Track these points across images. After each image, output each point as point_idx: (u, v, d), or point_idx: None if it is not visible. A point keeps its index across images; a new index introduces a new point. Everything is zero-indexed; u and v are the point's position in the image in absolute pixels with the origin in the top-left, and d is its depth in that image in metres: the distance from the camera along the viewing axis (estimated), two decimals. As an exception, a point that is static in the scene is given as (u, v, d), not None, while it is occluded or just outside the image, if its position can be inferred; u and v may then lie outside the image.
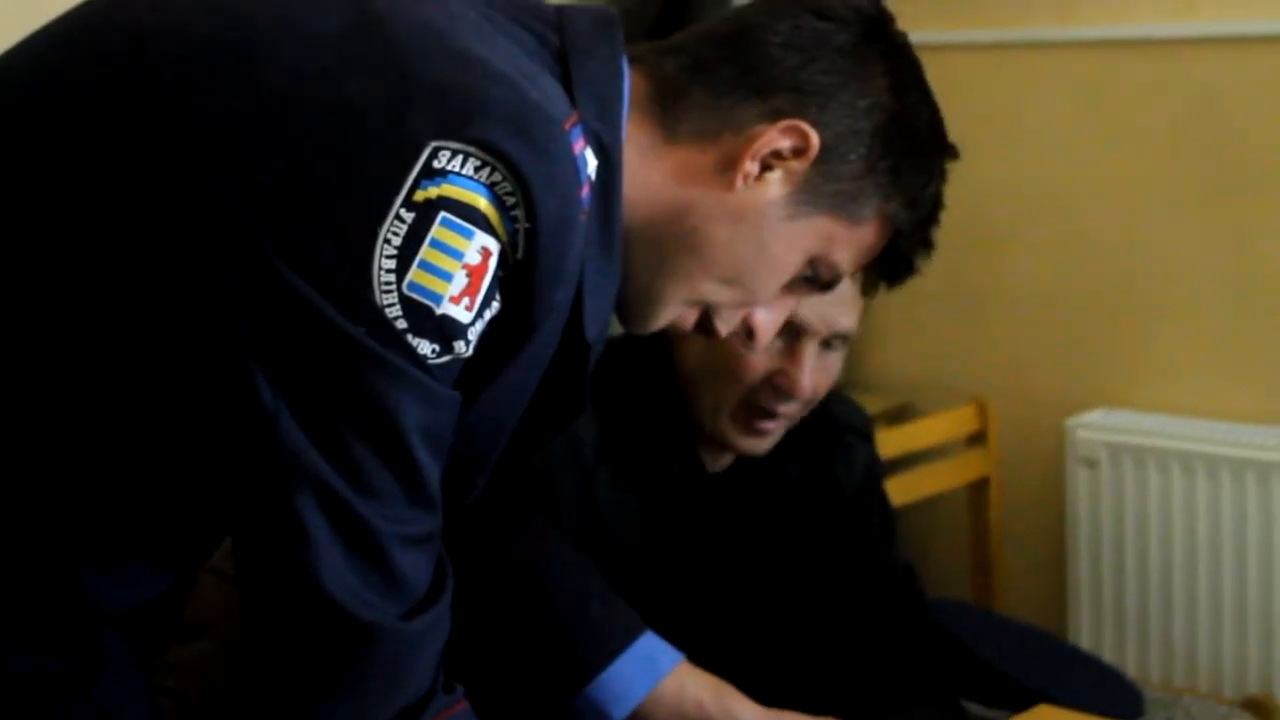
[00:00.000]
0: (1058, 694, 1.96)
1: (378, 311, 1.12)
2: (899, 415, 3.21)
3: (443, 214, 1.12)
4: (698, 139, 1.29)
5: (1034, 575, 3.09)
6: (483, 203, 1.13)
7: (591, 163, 1.22)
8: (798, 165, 1.29)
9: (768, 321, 1.37)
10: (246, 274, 1.12)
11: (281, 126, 1.12)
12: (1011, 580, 3.10)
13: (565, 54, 1.25)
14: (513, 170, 1.13)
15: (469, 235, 1.13)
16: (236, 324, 1.12)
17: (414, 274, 1.12)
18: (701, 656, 1.64)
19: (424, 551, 1.19)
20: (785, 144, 1.28)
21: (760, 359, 1.74)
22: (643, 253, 1.29)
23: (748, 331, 1.37)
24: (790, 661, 1.86)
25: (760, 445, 1.79)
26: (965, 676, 2.07)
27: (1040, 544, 3.07)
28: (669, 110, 1.29)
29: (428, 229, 1.12)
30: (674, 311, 1.34)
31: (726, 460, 1.85)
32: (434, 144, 1.11)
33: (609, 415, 1.77)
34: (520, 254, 1.15)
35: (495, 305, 1.17)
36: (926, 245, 1.41)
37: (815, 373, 1.75)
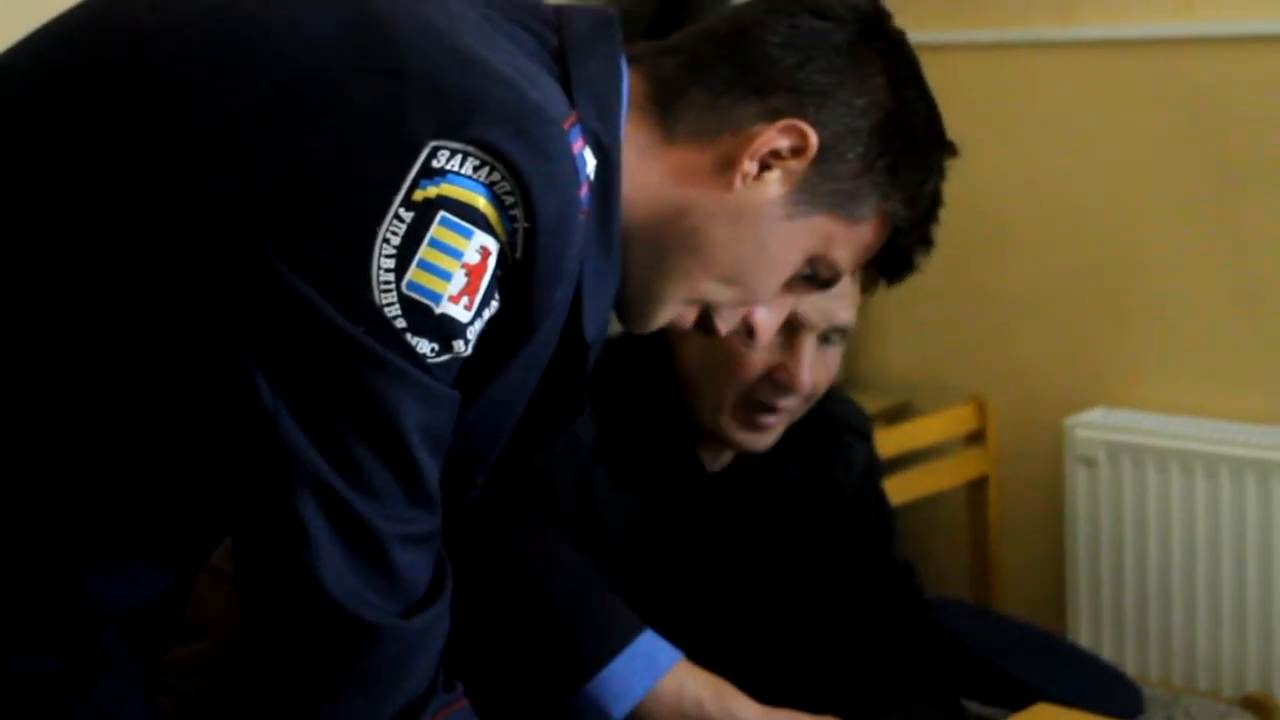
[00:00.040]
0: (1056, 692, 1.95)
1: (377, 311, 1.12)
2: (898, 414, 3.21)
3: (442, 213, 1.12)
4: (696, 139, 1.29)
5: (1033, 574, 3.09)
6: (482, 202, 1.13)
7: (590, 163, 1.22)
8: (796, 164, 1.29)
9: (768, 320, 1.37)
10: (246, 274, 1.12)
11: (281, 126, 1.12)
12: (1010, 579, 3.10)
13: (564, 54, 1.25)
14: (512, 170, 1.13)
15: (468, 235, 1.13)
16: (236, 324, 1.12)
17: (413, 273, 1.12)
18: (701, 655, 1.64)
19: (424, 551, 1.19)
20: (784, 143, 1.28)
21: (759, 355, 1.74)
22: (642, 252, 1.30)
23: (748, 330, 1.37)
24: (789, 660, 1.86)
25: (761, 441, 1.79)
26: (964, 675, 2.07)
27: (1039, 543, 3.07)
28: (667, 110, 1.29)
29: (427, 228, 1.12)
30: (673, 311, 1.34)
31: (726, 460, 1.85)
32: (433, 143, 1.12)
33: (608, 415, 1.77)
34: (519, 253, 1.15)
35: (494, 305, 1.17)
36: (926, 242, 1.41)
37: (814, 367, 1.75)
